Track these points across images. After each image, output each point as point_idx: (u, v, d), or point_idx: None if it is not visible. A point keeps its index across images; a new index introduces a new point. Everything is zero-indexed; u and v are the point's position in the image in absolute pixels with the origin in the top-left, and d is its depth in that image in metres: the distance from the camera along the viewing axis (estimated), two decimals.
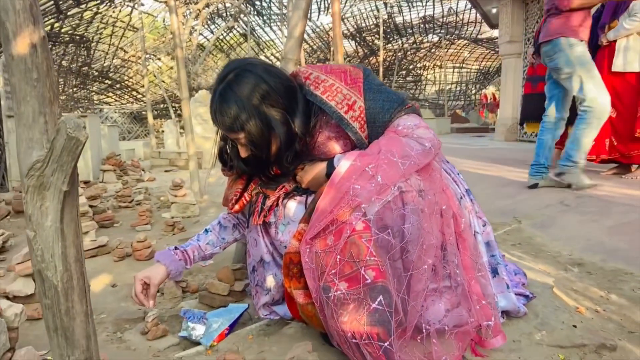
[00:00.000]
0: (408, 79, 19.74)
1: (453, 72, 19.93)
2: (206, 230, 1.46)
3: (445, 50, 16.25)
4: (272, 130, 1.10)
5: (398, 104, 1.11)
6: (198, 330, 1.40)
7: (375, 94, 1.12)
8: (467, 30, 15.12)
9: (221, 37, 13.31)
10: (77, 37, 8.66)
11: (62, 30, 7.82)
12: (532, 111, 4.09)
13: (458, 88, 20.94)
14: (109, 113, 14.65)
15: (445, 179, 1.18)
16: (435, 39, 16.33)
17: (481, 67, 19.31)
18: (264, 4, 12.02)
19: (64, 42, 8.51)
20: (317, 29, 14.87)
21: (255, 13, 12.18)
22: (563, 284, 1.63)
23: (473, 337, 1.05)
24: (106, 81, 12.78)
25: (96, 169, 4.60)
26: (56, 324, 0.69)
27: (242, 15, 11.31)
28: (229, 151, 1.26)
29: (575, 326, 1.25)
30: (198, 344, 1.37)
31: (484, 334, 1.05)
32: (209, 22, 11.70)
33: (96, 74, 11.92)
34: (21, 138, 0.64)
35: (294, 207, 1.20)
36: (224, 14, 11.75)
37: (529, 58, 4.13)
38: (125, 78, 13.00)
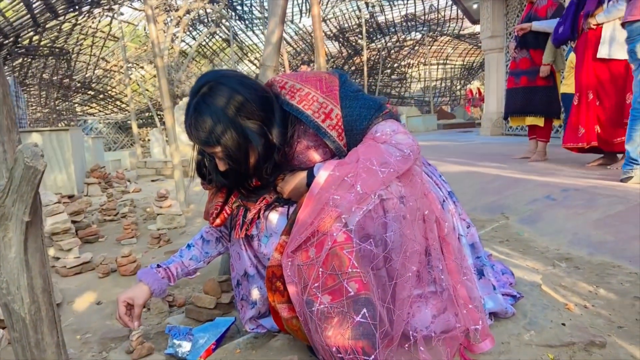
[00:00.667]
0: (393, 77, 19.82)
1: (437, 68, 20.06)
2: (189, 246, 1.43)
3: (429, 47, 16.35)
4: (249, 143, 1.08)
5: (375, 110, 1.10)
6: (184, 347, 1.37)
7: (351, 101, 1.11)
8: (449, 26, 15.22)
9: (204, 43, 13.23)
10: (57, 50, 8.53)
11: (42, 43, 7.70)
12: (515, 105, 4.12)
13: (443, 84, 21.08)
14: (94, 124, 14.48)
15: (427, 182, 1.17)
16: (418, 36, 16.42)
17: (465, 63, 19.48)
18: (245, 9, 11.97)
19: (43, 54, 8.37)
20: (300, 31, 14.86)
21: (237, 18, 12.12)
22: (551, 280, 1.63)
23: (461, 342, 1.04)
24: (89, 92, 12.62)
25: (80, 182, 4.52)
26: (26, 357, 0.66)
27: (223, 21, 11.25)
28: (207, 165, 1.23)
29: (564, 324, 1.24)
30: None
31: (472, 338, 1.03)
32: (190, 28, 11.63)
33: (78, 85, 11.75)
34: None
35: (275, 218, 1.18)
36: (205, 20, 11.67)
37: (510, 52, 4.15)
38: (108, 88, 12.85)
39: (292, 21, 13.71)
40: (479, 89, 16.74)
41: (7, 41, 5.93)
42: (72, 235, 2.24)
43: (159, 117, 11.07)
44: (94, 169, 4.87)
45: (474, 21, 10.07)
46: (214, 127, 1.05)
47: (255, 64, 14.68)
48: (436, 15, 14.25)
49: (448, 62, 19.66)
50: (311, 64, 14.55)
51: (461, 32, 15.26)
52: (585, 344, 1.14)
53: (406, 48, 17.37)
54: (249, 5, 11.72)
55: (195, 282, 2.07)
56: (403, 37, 16.46)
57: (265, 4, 9.94)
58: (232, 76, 1.12)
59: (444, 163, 5.08)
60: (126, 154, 9.23)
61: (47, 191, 2.37)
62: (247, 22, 12.51)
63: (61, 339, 0.68)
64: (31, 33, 6.53)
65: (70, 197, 4.22)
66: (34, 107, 10.98)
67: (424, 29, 15.14)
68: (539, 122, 4.07)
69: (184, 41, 11.60)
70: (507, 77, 4.38)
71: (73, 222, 2.82)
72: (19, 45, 6.40)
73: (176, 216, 2.92)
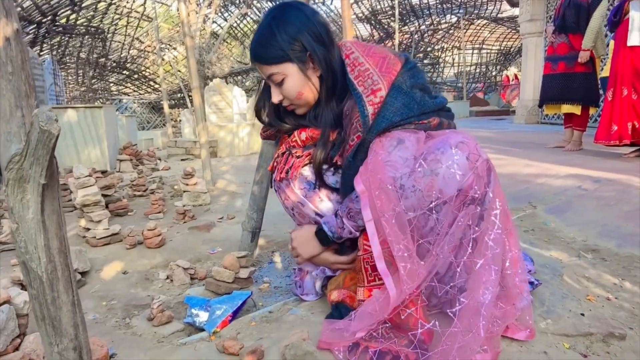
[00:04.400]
0: (425, 61, 19.35)
1: (472, 53, 19.43)
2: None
3: (464, 31, 15.82)
4: (314, 65, 1.13)
5: (414, 116, 1.08)
6: (201, 316, 1.41)
7: (399, 94, 1.09)
8: (486, 9, 14.66)
9: (234, 24, 13.27)
10: (92, 29, 8.76)
11: (78, 22, 7.92)
12: (552, 92, 3.96)
13: (478, 70, 20.44)
14: (128, 103, 14.86)
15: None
16: (454, 19, 15.91)
17: (502, 48, 18.77)
18: None
19: (80, 33, 8.62)
20: (332, 13, 14.65)
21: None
22: (575, 271, 1.59)
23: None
24: (124, 72, 12.94)
25: (113, 158, 4.68)
26: (43, 313, 0.70)
27: (255, 2, 11.24)
28: (265, 105, 1.25)
29: (583, 314, 1.21)
30: (202, 330, 1.39)
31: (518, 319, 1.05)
32: (222, 9, 11.67)
33: (114, 64, 12.06)
34: (0, 132, 0.64)
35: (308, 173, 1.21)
36: (237, 1, 11.69)
37: (548, 36, 3.97)
38: (142, 68, 13.13)
39: (323, 2, 13.53)
40: (516, 75, 16.12)
41: (45, 19, 6.14)
42: (102, 208, 2.33)
43: (190, 98, 11.25)
44: (127, 146, 5.02)
45: (513, 4, 9.66)
46: (278, 44, 1.08)
47: None
48: None
49: (484, 46, 18.99)
50: None
51: (499, 16, 14.67)
52: (603, 335, 1.10)
53: (440, 32, 16.88)
54: None
55: (216, 257, 2.12)
56: (437, 20, 15.98)
57: None
58: (304, 6, 1.17)
59: None
60: (158, 134, 9.46)
61: (80, 164, 2.46)
62: (278, 3, 12.43)
63: (76, 298, 0.72)
64: (68, 12, 6.74)
65: (103, 172, 4.36)
66: (72, 85, 11.37)
67: (460, 11, 14.65)
68: (576, 110, 3.91)
69: (215, 22, 11.68)
70: (544, 63, 4.20)
71: (104, 195, 2.92)
72: (57, 23, 6.62)
73: (201, 194, 2.98)
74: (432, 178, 0.98)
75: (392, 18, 13.48)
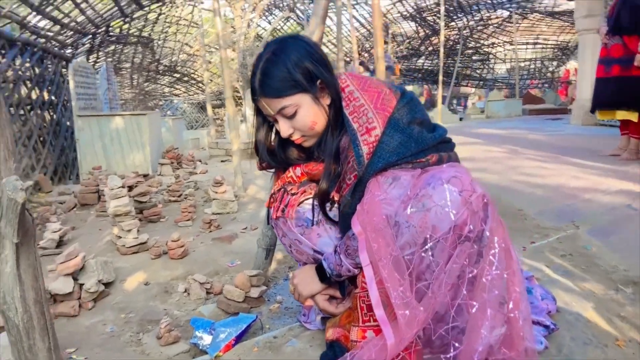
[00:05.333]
0: (474, 57, 18.65)
1: (526, 48, 18.47)
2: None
3: (517, 25, 15.06)
4: (320, 96, 1.10)
5: (411, 155, 1.03)
6: (205, 339, 1.43)
7: (395, 132, 1.04)
8: (540, 3, 13.88)
9: (278, 27, 13.44)
10: (142, 38, 9.23)
11: (130, 31, 8.38)
12: (605, 97, 3.67)
13: (532, 66, 19.42)
14: (179, 104, 15.49)
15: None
16: (505, 14, 15.18)
17: (560, 42, 17.69)
18: None
19: (131, 43, 9.11)
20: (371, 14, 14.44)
21: (311, 1, 12.12)
22: (608, 308, 1.45)
23: None
24: (174, 75, 13.50)
25: (155, 162, 4.87)
26: (21, 358, 0.72)
27: (298, 5, 11.30)
28: (264, 139, 1.21)
29: None
30: (205, 352, 1.40)
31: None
32: (266, 13, 11.84)
33: (165, 68, 12.62)
34: None
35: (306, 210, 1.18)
36: (281, 5, 11.81)
37: (601, 37, 3.68)
38: (191, 71, 13.63)
39: (366, 2, 13.38)
40: (576, 69, 15.15)
41: (99, 30, 6.52)
42: (132, 217, 2.42)
43: (235, 98, 11.53)
44: (169, 150, 5.21)
45: None
46: (288, 74, 1.05)
47: (328, 47, 14.62)
48: None
49: (539, 41, 18.00)
50: (384, 45, 14.16)
51: (555, 9, 13.84)
52: None
53: (491, 27, 16.18)
54: None
55: (235, 270, 2.14)
56: (488, 15, 15.32)
57: None
58: (301, 37, 1.15)
59: (516, 157, 4.72)
60: (204, 133, 9.76)
61: (113, 175, 2.58)
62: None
63: (53, 344, 0.73)
64: (120, 22, 7.14)
65: (145, 176, 4.56)
66: (127, 88, 12.01)
67: (512, 5, 13.96)
68: (632, 116, 3.60)
69: (259, 25, 11.88)
70: (596, 65, 3.89)
71: (139, 202, 3.06)
72: (110, 34, 7.03)
73: (229, 202, 3.03)
74: (424, 214, 0.93)
75: (437, 15, 13.08)
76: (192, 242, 2.53)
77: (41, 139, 4.72)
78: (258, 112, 1.18)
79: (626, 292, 1.60)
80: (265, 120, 1.19)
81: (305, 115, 1.09)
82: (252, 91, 1.12)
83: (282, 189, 1.21)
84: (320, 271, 1.15)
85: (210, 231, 2.68)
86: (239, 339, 1.44)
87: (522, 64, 18.82)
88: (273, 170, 1.33)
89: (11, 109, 4.07)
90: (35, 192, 4.03)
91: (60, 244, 2.53)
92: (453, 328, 0.97)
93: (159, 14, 8.97)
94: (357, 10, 13.77)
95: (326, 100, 1.12)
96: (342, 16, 7.79)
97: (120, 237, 2.38)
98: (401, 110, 1.06)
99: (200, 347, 1.41)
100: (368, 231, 0.98)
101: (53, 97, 5.18)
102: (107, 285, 1.95)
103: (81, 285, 1.81)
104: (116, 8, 5.76)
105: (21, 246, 0.67)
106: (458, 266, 0.94)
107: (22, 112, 4.36)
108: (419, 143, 1.04)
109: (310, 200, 1.17)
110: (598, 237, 2.30)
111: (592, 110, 3.88)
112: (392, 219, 0.97)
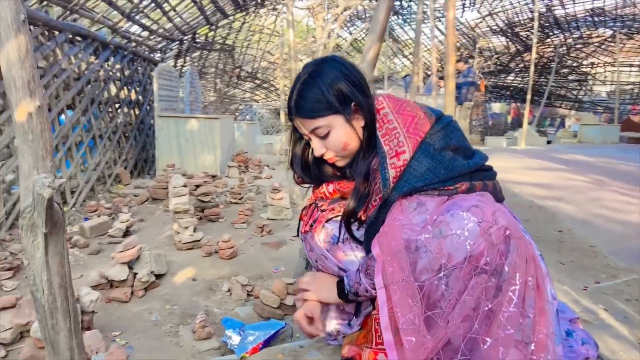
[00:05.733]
0: (570, 77, 17.32)
1: (630, 71, 16.79)
2: None
3: (621, 45, 13.76)
4: (353, 118, 1.11)
5: (439, 181, 1.01)
6: (234, 339, 1.50)
7: (425, 157, 1.03)
8: None
9: (359, 37, 13.57)
10: (225, 46, 9.86)
11: (215, 39, 9.01)
12: None
13: (636, 90, 17.60)
14: (257, 109, 16.22)
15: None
16: (608, 32, 13.94)
17: None
18: (404, 4, 11.83)
19: (215, 50, 9.78)
20: (461, 26, 14.04)
21: (393, 13, 12.08)
22: None
23: None
24: (255, 81, 14.20)
25: (224, 164, 5.16)
26: (45, 335, 0.83)
27: None
28: (301, 155, 1.23)
29: None
30: (233, 352, 1.47)
31: None
32: (348, 23, 12.02)
33: (246, 75, 13.33)
34: (21, 185, 0.79)
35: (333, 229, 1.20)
36: (363, 16, 11.94)
37: None
38: (271, 78, 14.23)
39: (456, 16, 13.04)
40: None
41: (185, 37, 7.08)
42: (191, 215, 2.61)
43: None
44: (239, 154, 5.49)
45: None
46: (322, 96, 1.08)
47: (410, 59, 14.46)
48: (632, 10, 11.90)
49: None
50: (469, 60, 13.71)
51: None
52: None
53: (591, 46, 14.94)
54: (407, 0, 11.56)
55: (278, 276, 2.21)
56: (588, 33, 14.17)
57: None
58: (339, 60, 1.16)
59: (600, 188, 4.33)
60: (278, 139, 10.13)
61: (178, 175, 2.79)
62: (403, 17, 12.36)
63: (74, 325, 0.83)
64: (206, 30, 7.71)
65: (214, 176, 4.85)
66: (211, 92, 12.86)
67: (616, 24, 12.79)
68: None
69: (340, 36, 12.10)
70: None
71: (201, 201, 3.27)
72: (196, 41, 7.62)
73: (284, 209, 3.13)
74: (440, 241, 0.91)
75: (531, 30, 12.39)
76: (243, 244, 2.65)
77: (126, 135, 5.24)
78: (295, 129, 1.22)
79: None
80: (301, 137, 1.23)
81: (337, 136, 1.12)
82: (289, 110, 1.16)
83: (313, 204, 1.25)
84: (340, 286, 1.17)
85: (262, 235, 2.79)
86: (266, 343, 1.49)
87: (625, 87, 17.14)
88: (310, 185, 1.37)
89: (100, 106, 4.58)
90: (115, 184, 4.48)
91: (127, 233, 2.77)
92: None
93: (243, 23, 9.53)
94: (442, 23, 13.50)
95: (360, 122, 1.14)
96: (421, 30, 7.69)
97: (178, 233, 2.56)
98: (434, 136, 1.05)
99: (229, 347, 1.49)
100: (385, 254, 0.98)
101: (140, 97, 5.72)
102: (159, 276, 2.11)
103: (135, 274, 1.98)
104: (202, 16, 6.22)
105: (50, 236, 0.78)
106: (472, 298, 0.90)
107: (110, 109, 4.87)
108: (449, 170, 1.02)
109: (339, 218, 1.19)
110: None
111: None
112: (412, 243, 0.96)
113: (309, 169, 1.26)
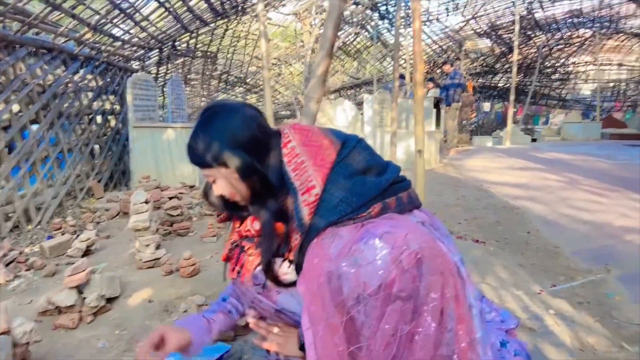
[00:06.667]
0: (554, 77, 17.52)
1: (610, 70, 17.04)
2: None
3: (600, 45, 13.94)
4: (242, 172, 1.05)
5: (352, 211, 0.98)
6: None
7: (336, 188, 1.00)
8: (625, 23, 12.76)
9: (348, 41, 13.60)
10: (207, 52, 9.82)
11: (197, 46, 8.97)
12: None
13: (617, 88, 17.86)
14: None
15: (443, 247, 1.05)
16: (588, 33, 14.12)
17: None
18: (390, 9, 11.86)
19: (197, 57, 9.74)
20: (446, 29, 14.14)
21: (380, 17, 12.12)
22: None
23: None
24: (244, 85, 14.16)
25: (201, 174, 5.11)
26: None
27: (369, 20, 11.33)
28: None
29: None
30: None
31: None
32: None
33: (235, 80, 13.29)
34: None
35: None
36: (350, 20, 11.95)
37: None
38: (260, 83, 14.19)
39: (437, 19, 13.11)
40: None
41: (164, 45, 7.02)
42: (152, 232, 2.56)
43: (300, 109, 11.82)
44: None
45: None
46: (208, 149, 1.03)
47: (399, 62, 14.54)
48: (609, 11, 12.07)
49: (626, 62, 16.54)
50: (456, 62, 13.81)
51: None
52: None
53: (572, 46, 15.13)
54: (393, 4, 11.58)
55: None
56: (568, 33, 14.35)
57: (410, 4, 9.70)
58: (237, 110, 1.14)
59: (572, 187, 4.36)
60: None
61: (140, 190, 2.74)
62: (390, 21, 12.39)
63: None
64: (187, 37, 7.65)
65: (192, 187, 4.80)
66: (199, 98, 12.80)
67: (595, 25, 12.95)
68: None
69: None
70: None
71: (171, 215, 3.22)
72: (177, 48, 7.56)
73: None
74: (356, 270, 0.90)
75: (514, 33, 12.54)
76: (208, 260, 2.61)
77: (100, 146, 5.16)
78: None
79: (630, 350, 1.42)
80: None
81: (220, 187, 1.08)
82: None
83: (238, 246, 1.21)
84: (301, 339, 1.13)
85: None
86: None
87: (607, 85, 17.39)
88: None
89: (70, 118, 4.48)
90: (88, 198, 4.41)
91: (87, 252, 2.72)
92: None
93: (226, 30, 9.48)
94: (427, 26, 13.56)
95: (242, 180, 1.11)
96: (400, 34, 7.71)
97: (139, 251, 2.51)
98: (341, 164, 1.02)
99: None
100: (306, 294, 0.96)
101: (116, 107, 5.64)
102: (111, 300, 2.06)
103: (84, 298, 1.93)
104: (179, 25, 6.15)
105: None
106: (390, 326, 0.90)
107: (81, 121, 4.77)
108: (361, 196, 0.99)
109: None
110: (626, 284, 2.10)
111: None
112: (334, 274, 0.94)
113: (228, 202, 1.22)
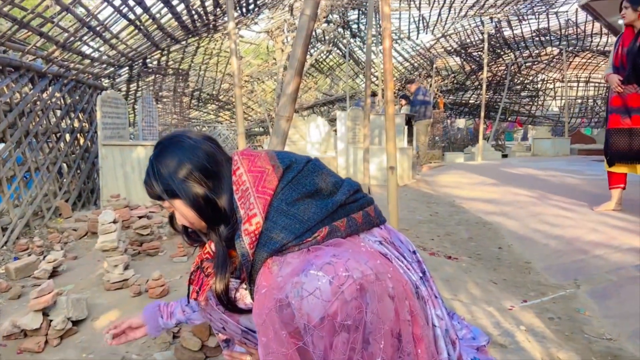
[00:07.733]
0: (523, 94, 18.17)
1: (578, 85, 17.80)
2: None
3: (568, 62, 14.57)
4: (194, 204, 1.06)
5: (295, 237, 0.96)
6: None
7: (279, 216, 0.98)
8: (591, 41, 13.41)
9: (320, 59, 13.79)
10: (178, 70, 9.82)
11: (169, 63, 8.94)
12: (624, 150, 3.43)
13: (584, 104, 18.65)
14: (222, 130, 16.11)
15: (399, 268, 1.03)
16: (556, 51, 14.77)
17: None
18: (361, 27, 12.14)
19: (168, 74, 9.72)
20: (417, 47, 14.55)
21: (352, 35, 12.39)
22: None
23: None
24: (216, 102, 14.12)
25: None
26: None
27: (340, 38, 11.54)
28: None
29: None
30: None
31: None
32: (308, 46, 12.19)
33: (207, 97, 13.25)
34: None
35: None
36: (322, 39, 12.15)
37: (613, 86, 3.43)
38: (233, 100, 14.20)
39: (409, 37, 13.48)
40: None
41: (135, 63, 6.98)
42: (120, 253, 2.50)
43: (272, 125, 11.85)
44: None
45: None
46: (159, 183, 1.05)
47: (371, 80, 14.82)
48: (575, 30, 12.66)
49: (592, 79, 17.33)
50: (428, 79, 14.17)
51: (607, 49, 13.28)
52: None
53: (540, 64, 15.77)
54: (364, 23, 11.87)
55: None
56: (537, 51, 14.97)
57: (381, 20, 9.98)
58: (184, 142, 1.13)
59: (542, 203, 4.49)
60: None
61: (108, 210, 2.68)
62: (362, 39, 12.67)
63: None
64: (157, 55, 7.63)
65: (162, 206, 4.72)
66: (170, 115, 12.69)
67: (562, 43, 13.57)
68: None
69: None
70: (607, 116, 3.63)
71: (140, 235, 3.16)
72: (147, 66, 7.53)
73: None
74: (300, 301, 0.88)
75: (483, 50, 12.99)
76: (178, 281, 2.55)
77: (68, 165, 5.04)
78: None
79: None
80: None
81: (178, 216, 1.09)
82: None
83: (199, 268, 1.20)
84: None
85: None
86: None
87: (573, 102, 18.14)
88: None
89: (37, 137, 4.39)
90: (55, 217, 4.28)
91: (54, 274, 2.63)
92: None
93: (197, 47, 9.51)
94: (398, 44, 13.91)
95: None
96: (372, 51, 7.89)
97: (107, 272, 2.45)
98: (285, 190, 1.01)
99: None
100: (258, 325, 0.95)
101: (84, 125, 5.54)
102: (78, 322, 2.00)
103: (51, 321, 1.86)
104: (149, 43, 6.14)
105: None
106: (342, 357, 0.88)
107: (49, 139, 4.67)
108: (304, 222, 0.97)
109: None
110: (596, 299, 2.14)
111: (611, 164, 3.61)
112: (283, 302, 0.93)
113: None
